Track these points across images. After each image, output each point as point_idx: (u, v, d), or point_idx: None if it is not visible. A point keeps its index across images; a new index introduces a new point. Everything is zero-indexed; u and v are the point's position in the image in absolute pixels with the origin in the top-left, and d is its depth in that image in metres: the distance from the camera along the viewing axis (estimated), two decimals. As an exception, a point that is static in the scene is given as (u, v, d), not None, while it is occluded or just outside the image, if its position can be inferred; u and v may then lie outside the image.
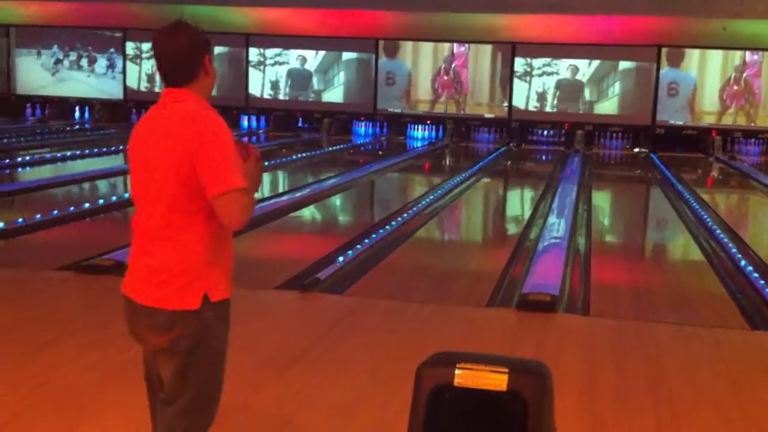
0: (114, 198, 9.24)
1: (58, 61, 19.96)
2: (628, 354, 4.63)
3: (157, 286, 2.42)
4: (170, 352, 2.44)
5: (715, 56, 17.32)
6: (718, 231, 8.25)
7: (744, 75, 17.28)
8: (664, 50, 17.33)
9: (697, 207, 9.82)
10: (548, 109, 17.96)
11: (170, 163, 2.40)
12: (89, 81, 19.84)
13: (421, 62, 18.45)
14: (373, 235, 7.39)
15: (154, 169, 2.43)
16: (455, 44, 18.14)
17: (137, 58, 19.60)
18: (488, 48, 18.07)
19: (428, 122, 18.40)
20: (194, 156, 2.37)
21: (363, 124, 18.83)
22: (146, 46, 19.37)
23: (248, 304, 5.34)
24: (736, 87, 17.34)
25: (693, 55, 17.42)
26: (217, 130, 2.42)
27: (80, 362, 4.20)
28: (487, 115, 18.27)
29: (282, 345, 4.56)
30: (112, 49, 19.67)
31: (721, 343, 4.89)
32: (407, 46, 18.42)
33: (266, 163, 13.18)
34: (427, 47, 18.34)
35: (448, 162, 15.98)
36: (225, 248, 2.55)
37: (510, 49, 17.85)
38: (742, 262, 6.83)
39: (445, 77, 18.28)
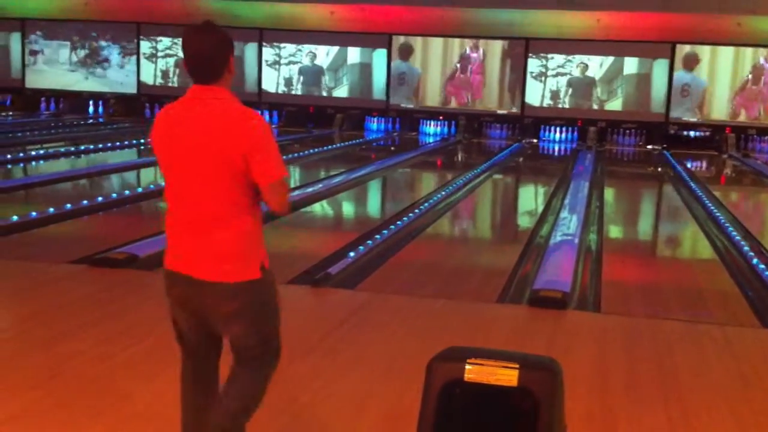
0: (127, 192, 9.29)
1: (72, 55, 20.04)
2: (639, 351, 4.63)
3: (222, 262, 2.68)
4: (240, 316, 2.72)
5: (727, 56, 17.21)
6: (731, 228, 8.22)
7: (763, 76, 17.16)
8: (678, 47, 17.26)
9: (710, 204, 9.78)
10: (561, 105, 17.91)
11: (225, 156, 2.63)
12: (103, 75, 19.91)
13: (432, 66, 18.42)
14: (385, 231, 7.40)
15: (203, 161, 2.65)
16: (468, 49, 18.09)
17: (152, 55, 19.66)
18: (499, 44, 18.03)
19: (440, 118, 18.39)
20: (249, 150, 2.63)
21: (375, 119, 18.84)
22: (161, 40, 19.47)
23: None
24: (754, 87, 17.23)
25: (704, 60, 17.30)
26: (266, 127, 2.70)
27: (93, 354, 4.23)
28: (500, 112, 18.24)
29: (293, 340, 4.55)
30: (125, 43, 19.74)
31: (732, 340, 4.88)
32: (418, 50, 18.37)
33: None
34: (437, 49, 18.28)
35: (460, 158, 15.97)
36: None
37: (523, 44, 17.81)
38: (754, 260, 6.80)
39: (458, 80, 18.25)
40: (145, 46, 19.62)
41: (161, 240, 6.82)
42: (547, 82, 17.92)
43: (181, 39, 2.75)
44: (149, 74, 19.74)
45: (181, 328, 2.85)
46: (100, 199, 8.73)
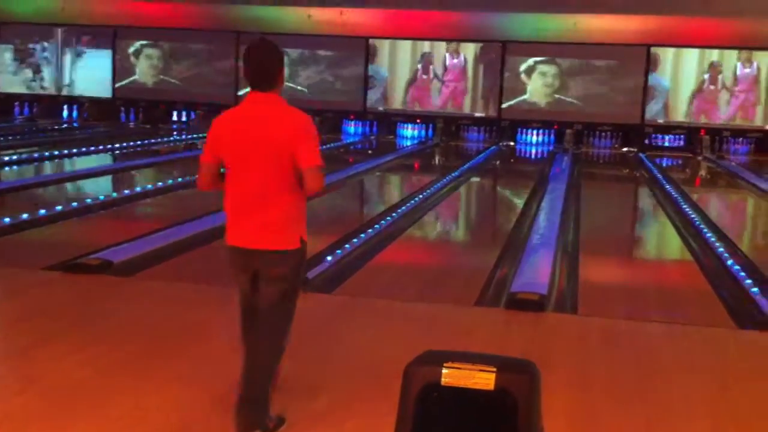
0: (101, 197, 9.20)
1: (43, 58, 19.86)
2: (617, 352, 4.64)
3: (272, 235, 3.32)
4: (282, 279, 3.37)
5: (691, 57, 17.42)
6: (706, 230, 8.29)
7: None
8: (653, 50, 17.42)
9: (685, 206, 9.86)
10: (537, 108, 17.99)
11: (276, 147, 3.27)
12: (77, 79, 19.74)
13: (399, 68, 18.47)
14: (362, 235, 7.39)
15: (260, 153, 3.28)
16: (446, 53, 18.14)
17: (128, 56, 19.53)
18: (475, 47, 18.08)
19: (418, 121, 18.41)
20: (294, 140, 3.26)
21: (353, 123, 18.82)
22: (136, 44, 19.35)
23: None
24: (712, 87, 17.43)
25: (667, 60, 17.48)
26: (309, 123, 3.35)
27: (70, 361, 4.17)
28: (477, 114, 18.30)
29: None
30: (101, 47, 19.58)
31: (709, 341, 4.91)
32: (385, 52, 18.41)
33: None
34: (405, 52, 18.33)
35: (437, 161, 15.99)
36: None
37: (500, 47, 17.88)
38: (729, 261, 6.86)
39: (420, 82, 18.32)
40: (122, 51, 19.49)
41: (136, 246, 6.79)
42: (524, 85, 17.99)
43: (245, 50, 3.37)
44: (124, 78, 19.59)
45: (243, 289, 3.47)
46: (74, 204, 8.63)
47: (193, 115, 19.16)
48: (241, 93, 18.93)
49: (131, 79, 19.55)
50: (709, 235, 8.05)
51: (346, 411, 3.70)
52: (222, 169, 3.46)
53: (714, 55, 17.33)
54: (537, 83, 17.92)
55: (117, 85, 19.54)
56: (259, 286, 3.40)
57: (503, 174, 15.03)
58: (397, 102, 18.49)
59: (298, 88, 18.77)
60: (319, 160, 3.28)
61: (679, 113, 17.55)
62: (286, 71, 18.99)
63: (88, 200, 8.95)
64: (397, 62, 18.43)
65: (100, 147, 14.14)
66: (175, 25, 18.87)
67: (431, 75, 18.29)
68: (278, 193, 3.30)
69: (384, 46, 18.40)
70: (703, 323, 5.32)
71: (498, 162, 15.97)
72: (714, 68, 17.38)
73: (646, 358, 4.55)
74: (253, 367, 3.41)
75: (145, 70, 19.45)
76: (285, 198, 3.32)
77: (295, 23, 18.37)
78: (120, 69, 19.55)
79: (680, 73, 17.51)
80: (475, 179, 13.28)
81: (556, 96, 17.89)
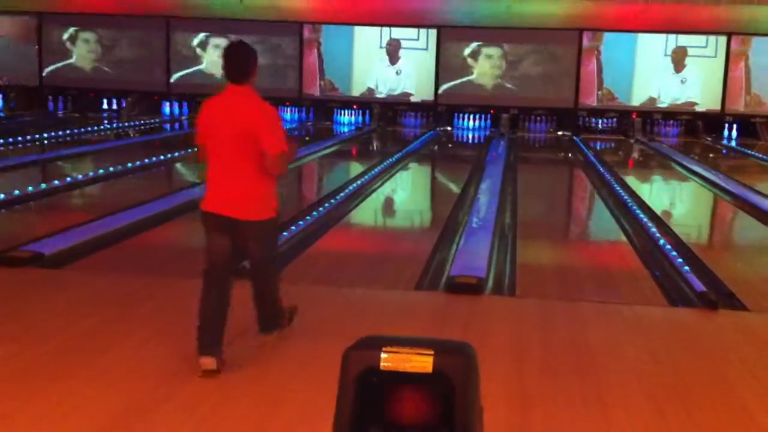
0: (30, 188, 8.93)
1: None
2: (554, 332, 4.72)
3: (249, 205, 3.95)
4: (259, 239, 4.05)
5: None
6: (638, 211, 8.47)
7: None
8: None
9: (619, 188, 10.07)
10: (473, 93, 18.12)
11: (247, 132, 3.84)
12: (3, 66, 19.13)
13: (341, 53, 18.40)
14: (300, 222, 7.34)
15: (233, 135, 3.85)
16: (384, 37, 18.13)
17: (55, 44, 19.00)
18: (413, 32, 18.11)
19: (355, 107, 18.36)
20: (259, 129, 3.85)
21: (289, 109, 18.68)
22: (64, 30, 18.85)
23: (176, 293, 5.25)
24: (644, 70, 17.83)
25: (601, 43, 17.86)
26: (274, 114, 3.99)
27: (-3, 357, 4.05)
28: (414, 100, 18.34)
29: (209, 334, 4.48)
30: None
31: (641, 319, 5.03)
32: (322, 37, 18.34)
33: (190, 150, 12.97)
34: (345, 37, 18.28)
35: (375, 147, 15.99)
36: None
37: (435, 32, 17.93)
38: (661, 241, 7.02)
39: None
40: (48, 38, 18.95)
41: (68, 237, 6.62)
42: (460, 70, 18.10)
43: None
44: (51, 66, 19.07)
45: (212, 249, 3.98)
46: (2, 196, 8.37)
47: (124, 103, 18.76)
48: (172, 80, 18.65)
49: (58, 66, 19.02)
50: (641, 216, 8.23)
51: (285, 398, 3.67)
52: None
53: (646, 38, 17.68)
54: (484, 66, 18.01)
55: (45, 71, 19.01)
56: (240, 248, 4.04)
57: (440, 159, 15.11)
58: (335, 87, 18.40)
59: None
60: (279, 148, 3.87)
61: (612, 96, 17.90)
62: (216, 57, 18.72)
63: (17, 192, 8.68)
64: (334, 48, 18.33)
65: (28, 137, 13.74)
66: (106, 11, 18.45)
67: (371, 59, 18.26)
68: (252, 170, 3.89)
69: (320, 32, 18.28)
70: (636, 302, 5.44)
71: (435, 147, 16.05)
72: (646, 51, 17.76)
73: (581, 337, 4.63)
74: (262, 300, 4.20)
75: (81, 55, 18.96)
76: (253, 175, 3.89)
77: (227, 8, 18.11)
78: (48, 56, 19.01)
79: (613, 56, 17.83)
80: (413, 164, 13.32)
81: (491, 81, 18.05)
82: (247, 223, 3.95)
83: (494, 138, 16.30)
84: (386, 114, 18.33)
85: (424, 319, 4.91)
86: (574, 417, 3.58)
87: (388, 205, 9.74)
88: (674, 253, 6.57)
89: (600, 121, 18.10)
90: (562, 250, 7.52)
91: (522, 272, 6.20)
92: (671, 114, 17.96)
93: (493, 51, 17.99)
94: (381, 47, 18.21)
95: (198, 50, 18.64)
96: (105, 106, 19.04)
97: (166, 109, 19.04)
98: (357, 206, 8.94)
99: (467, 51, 18.00)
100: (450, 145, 16.64)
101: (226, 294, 3.99)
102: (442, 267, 6.19)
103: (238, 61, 3.95)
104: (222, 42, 18.37)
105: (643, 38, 17.65)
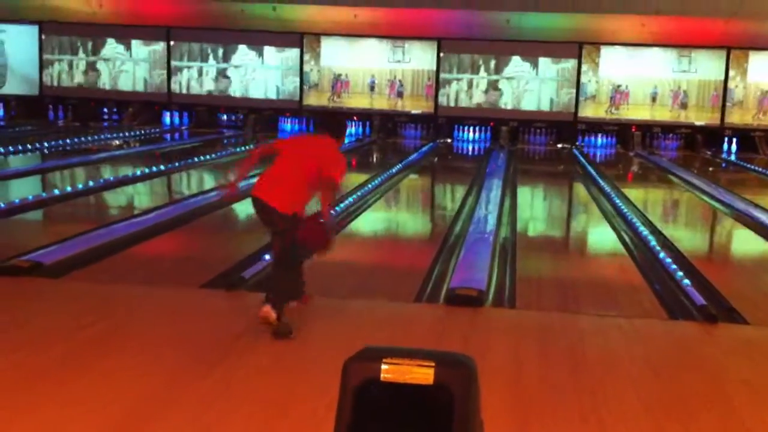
0: (30, 197, 8.94)
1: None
2: (553, 345, 4.72)
3: (285, 204, 4.70)
4: (285, 232, 4.72)
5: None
6: (638, 224, 8.48)
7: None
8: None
9: (618, 201, 10.08)
10: (474, 105, 18.17)
11: (310, 163, 4.79)
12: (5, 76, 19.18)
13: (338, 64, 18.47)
14: (301, 232, 7.32)
15: (300, 161, 4.82)
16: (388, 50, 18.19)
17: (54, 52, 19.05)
18: (412, 44, 18.17)
19: (355, 118, 18.39)
20: (323, 162, 4.79)
21: (289, 120, 18.71)
22: (64, 40, 18.91)
23: (174, 303, 5.25)
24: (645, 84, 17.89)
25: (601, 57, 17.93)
26: (336, 150, 4.96)
27: (0, 363, 4.05)
28: (414, 112, 18.38)
29: (208, 344, 4.49)
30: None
31: (640, 332, 5.03)
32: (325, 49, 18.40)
33: (189, 160, 13.01)
34: (343, 49, 18.34)
35: (375, 158, 16.01)
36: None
37: (435, 44, 18.00)
38: (661, 254, 7.03)
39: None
40: (49, 47, 19.02)
41: (67, 247, 6.62)
42: (460, 83, 18.15)
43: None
44: (52, 76, 19.13)
45: (263, 223, 4.89)
46: (1, 205, 8.37)
47: (122, 115, 18.82)
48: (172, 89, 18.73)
49: (59, 76, 19.07)
50: (641, 228, 8.24)
51: (286, 408, 3.67)
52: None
53: (645, 52, 17.75)
54: (473, 81, 18.07)
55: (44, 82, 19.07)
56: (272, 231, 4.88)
57: (440, 171, 15.12)
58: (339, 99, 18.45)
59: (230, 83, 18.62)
60: (338, 177, 4.84)
61: (611, 110, 17.96)
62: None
63: (17, 201, 8.69)
64: (337, 59, 18.40)
65: (28, 146, 13.75)
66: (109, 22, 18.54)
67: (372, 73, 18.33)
68: (299, 185, 4.74)
69: (322, 43, 18.35)
70: (635, 315, 5.44)
71: (435, 159, 16.06)
72: (645, 66, 17.82)
73: (580, 350, 4.63)
74: (273, 281, 4.78)
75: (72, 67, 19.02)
76: (302, 190, 4.77)
77: (229, 18, 18.19)
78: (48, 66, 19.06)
79: (612, 69, 17.90)
80: (413, 176, 13.33)
81: (492, 93, 18.09)
82: (280, 214, 4.70)
83: (494, 150, 16.32)
84: (386, 126, 18.36)
85: (423, 331, 4.91)
86: (572, 430, 3.58)
87: (388, 217, 9.74)
88: (674, 266, 6.57)
89: (599, 135, 18.16)
90: (562, 262, 7.52)
91: (522, 284, 6.19)
92: (670, 128, 18.00)
93: (493, 63, 18.04)
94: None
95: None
96: (106, 116, 19.11)
97: (167, 119, 19.09)
98: (357, 217, 8.94)
99: (467, 63, 18.05)
100: (450, 157, 16.66)
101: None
102: (442, 279, 6.19)
103: (326, 130, 5.05)
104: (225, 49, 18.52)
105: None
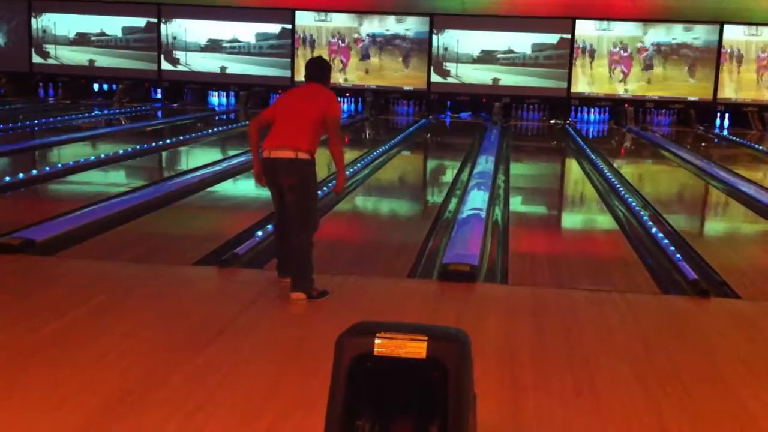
0: (21, 175, 8.89)
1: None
2: (546, 320, 4.73)
3: (292, 152, 4.90)
4: (293, 189, 4.93)
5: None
6: (631, 200, 8.49)
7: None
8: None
9: (611, 177, 10.08)
10: (467, 81, 18.10)
11: (313, 111, 4.97)
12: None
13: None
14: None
15: (303, 111, 4.97)
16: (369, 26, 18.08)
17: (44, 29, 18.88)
18: (405, 20, 18.06)
19: (347, 95, 18.32)
20: (326, 109, 5.00)
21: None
22: (54, 16, 18.75)
23: (167, 280, 5.25)
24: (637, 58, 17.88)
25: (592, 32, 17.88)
26: (336, 101, 5.09)
27: (-11, 344, 4.03)
28: (406, 88, 18.31)
29: (202, 321, 4.49)
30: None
31: (633, 306, 5.04)
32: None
33: (182, 137, 12.97)
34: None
35: (367, 135, 15.96)
36: None
37: (427, 21, 17.90)
38: (653, 229, 7.04)
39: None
40: (38, 22, 18.85)
41: (59, 224, 6.60)
42: (454, 58, 18.06)
43: None
44: (43, 52, 18.98)
45: (271, 191, 5.02)
46: (-7, 182, 8.33)
47: (115, 88, 18.71)
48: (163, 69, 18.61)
49: (49, 52, 18.91)
50: (633, 204, 8.24)
51: (279, 386, 3.67)
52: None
53: (637, 27, 17.70)
54: (466, 56, 17.99)
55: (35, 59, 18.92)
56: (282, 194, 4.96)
57: (433, 147, 15.09)
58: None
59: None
60: (338, 115, 5.09)
61: (604, 86, 17.93)
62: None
63: (7, 178, 8.64)
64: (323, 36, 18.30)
65: (18, 123, 13.65)
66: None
67: (365, 47, 18.22)
68: (306, 135, 4.90)
69: (310, 19, 18.24)
70: (628, 289, 5.45)
71: (428, 135, 16.02)
72: (638, 40, 17.78)
73: (573, 325, 4.64)
74: (291, 250, 4.90)
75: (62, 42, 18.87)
76: (309, 139, 4.93)
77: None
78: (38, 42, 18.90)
79: (603, 45, 17.86)
80: (406, 152, 13.30)
81: (485, 69, 18.03)
82: (286, 162, 4.87)
83: (487, 126, 16.29)
84: (378, 102, 18.29)
85: (417, 307, 4.91)
86: (566, 404, 3.59)
87: (381, 193, 9.72)
88: (666, 241, 6.58)
89: (592, 110, 18.14)
90: (555, 238, 7.53)
91: (515, 260, 6.20)
92: (663, 103, 17.98)
93: (486, 39, 17.96)
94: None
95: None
96: (96, 94, 19.01)
97: (158, 95, 19.00)
98: (350, 194, 8.92)
99: (460, 39, 17.97)
100: (442, 134, 16.62)
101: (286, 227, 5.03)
102: (435, 255, 6.19)
103: (314, 71, 5.14)
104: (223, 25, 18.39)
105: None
